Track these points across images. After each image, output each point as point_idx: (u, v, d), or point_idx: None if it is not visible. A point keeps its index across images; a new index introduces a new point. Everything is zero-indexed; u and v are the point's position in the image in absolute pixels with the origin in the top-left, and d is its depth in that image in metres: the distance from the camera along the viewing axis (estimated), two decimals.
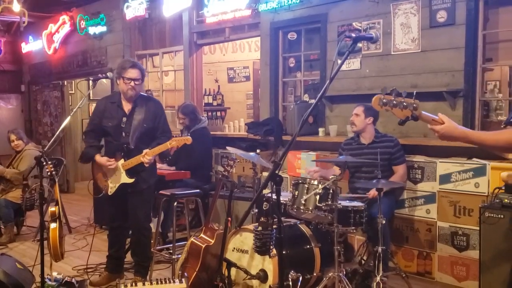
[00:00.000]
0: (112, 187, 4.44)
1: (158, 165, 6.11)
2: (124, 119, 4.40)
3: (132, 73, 4.33)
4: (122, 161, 4.38)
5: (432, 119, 2.39)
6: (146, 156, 4.25)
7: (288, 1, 6.07)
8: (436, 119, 2.38)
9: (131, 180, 4.36)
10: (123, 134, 4.38)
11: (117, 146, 4.41)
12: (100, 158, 4.44)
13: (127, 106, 4.44)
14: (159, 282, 3.54)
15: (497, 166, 4.28)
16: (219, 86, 9.08)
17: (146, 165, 4.30)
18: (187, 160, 6.11)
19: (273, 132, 6.12)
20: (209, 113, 8.55)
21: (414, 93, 2.42)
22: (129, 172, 4.37)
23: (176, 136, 4.35)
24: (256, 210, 4.76)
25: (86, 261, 4.99)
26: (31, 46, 10.90)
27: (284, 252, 3.74)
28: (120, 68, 4.39)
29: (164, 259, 5.23)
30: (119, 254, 4.77)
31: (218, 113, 8.79)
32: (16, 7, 8.58)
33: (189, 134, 6.24)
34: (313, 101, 5.96)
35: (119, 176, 4.40)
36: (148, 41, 8.40)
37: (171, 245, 4.88)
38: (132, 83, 4.33)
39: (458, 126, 2.35)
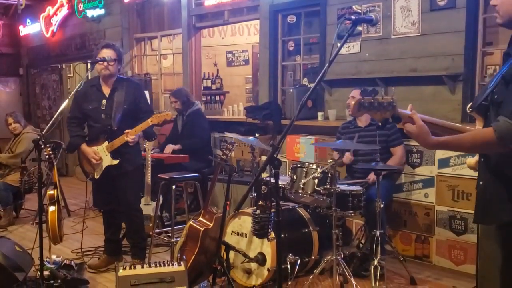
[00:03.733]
0: (98, 170, 4.45)
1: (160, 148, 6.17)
2: (104, 101, 4.40)
3: (104, 52, 4.34)
4: (106, 143, 4.38)
5: (409, 116, 2.15)
6: (129, 135, 4.26)
7: None
8: (410, 115, 2.15)
9: (116, 162, 4.37)
10: (103, 116, 4.38)
11: (99, 129, 4.41)
12: (86, 148, 4.45)
13: (106, 89, 4.45)
14: (158, 265, 3.56)
15: None
16: (218, 70, 9.04)
17: (131, 144, 4.31)
18: (191, 139, 6.14)
19: (272, 116, 6.11)
20: (208, 97, 8.52)
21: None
22: (113, 154, 4.37)
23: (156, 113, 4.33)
24: (255, 194, 4.77)
25: (85, 244, 5.00)
26: (29, 29, 10.82)
27: (282, 235, 3.75)
28: (94, 51, 4.44)
29: (163, 242, 5.25)
30: (116, 237, 4.80)
31: (217, 97, 8.77)
32: None
33: (185, 118, 6.27)
34: (312, 85, 5.94)
35: (104, 159, 4.41)
36: (146, 24, 8.34)
37: (170, 228, 4.90)
38: (105, 63, 4.32)
39: (429, 135, 2.12)
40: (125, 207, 4.56)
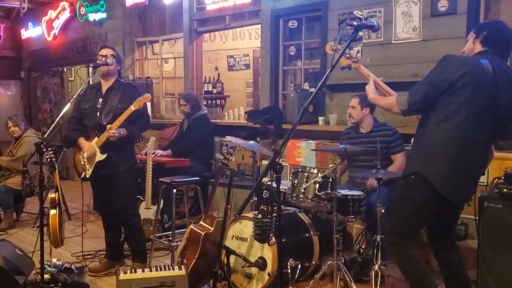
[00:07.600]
0: (88, 168, 4.42)
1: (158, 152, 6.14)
2: (100, 100, 4.45)
3: (103, 51, 4.49)
4: (95, 139, 4.36)
5: (367, 75, 3.43)
6: (110, 130, 4.24)
7: None
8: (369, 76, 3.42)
9: (104, 156, 4.32)
10: (98, 114, 4.40)
11: (93, 126, 4.42)
12: (82, 141, 4.44)
13: (104, 89, 4.50)
14: (159, 269, 3.56)
15: (496, 156, 4.27)
16: (219, 74, 9.07)
17: (111, 139, 4.26)
18: (184, 142, 6.16)
19: (273, 120, 6.12)
20: (209, 101, 8.54)
21: (361, 49, 3.06)
22: (102, 148, 4.33)
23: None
24: (256, 198, 4.77)
25: (86, 248, 5.00)
26: (30, 32, 10.85)
27: (283, 240, 3.75)
28: (96, 56, 4.57)
29: (164, 246, 5.24)
30: (116, 241, 4.77)
31: (218, 101, 8.79)
32: None
33: (190, 121, 6.29)
34: (313, 89, 5.95)
35: (94, 155, 4.37)
36: (148, 28, 8.36)
37: (171, 232, 4.90)
38: (104, 59, 4.44)
39: (374, 92, 3.42)
40: (119, 211, 4.55)
